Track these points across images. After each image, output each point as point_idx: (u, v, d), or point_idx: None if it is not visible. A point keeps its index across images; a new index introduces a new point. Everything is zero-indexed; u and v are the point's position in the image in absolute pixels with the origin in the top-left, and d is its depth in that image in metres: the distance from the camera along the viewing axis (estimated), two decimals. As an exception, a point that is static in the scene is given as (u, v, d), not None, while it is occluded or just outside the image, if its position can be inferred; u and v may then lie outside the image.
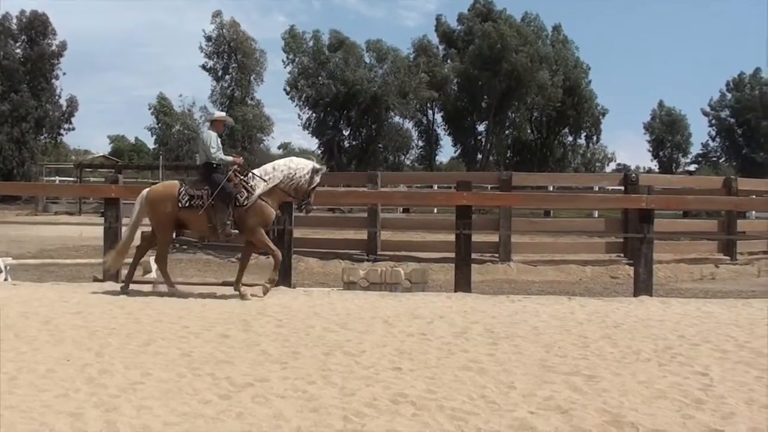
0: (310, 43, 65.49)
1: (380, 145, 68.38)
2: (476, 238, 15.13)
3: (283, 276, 13.47)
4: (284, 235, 13.44)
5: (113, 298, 11.20)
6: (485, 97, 66.86)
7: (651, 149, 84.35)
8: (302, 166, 12.00)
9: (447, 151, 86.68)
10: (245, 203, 11.67)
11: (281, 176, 11.85)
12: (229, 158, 11.89)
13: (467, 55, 65.44)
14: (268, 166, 12.07)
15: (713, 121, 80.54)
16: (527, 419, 5.56)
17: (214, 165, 11.77)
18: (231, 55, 64.96)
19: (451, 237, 13.86)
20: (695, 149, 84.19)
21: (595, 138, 74.34)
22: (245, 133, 62.52)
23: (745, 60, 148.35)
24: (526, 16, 68.38)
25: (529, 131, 71.16)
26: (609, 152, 78.54)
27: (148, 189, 12.38)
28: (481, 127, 71.22)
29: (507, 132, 71.19)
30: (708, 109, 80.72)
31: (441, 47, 71.76)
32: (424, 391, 6.29)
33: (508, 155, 71.79)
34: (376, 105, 63.66)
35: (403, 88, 62.96)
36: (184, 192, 11.77)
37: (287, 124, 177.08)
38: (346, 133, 67.37)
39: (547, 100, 66.17)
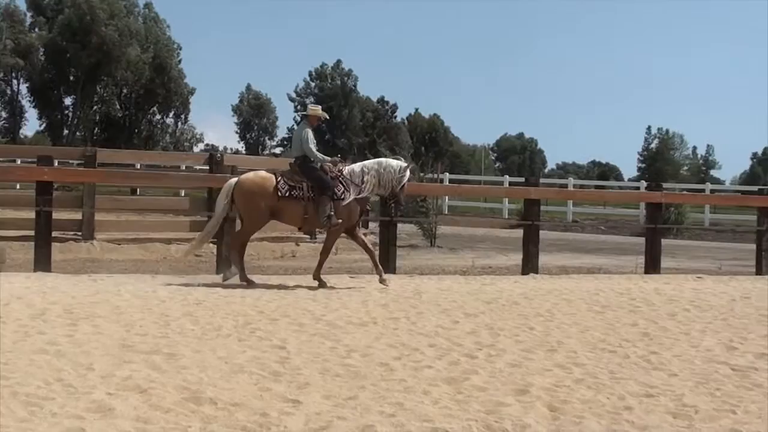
0: None
1: (-41, 116, 63.01)
2: (59, 215, 14.72)
3: None
4: None
5: None
6: (73, 69, 64.26)
7: (239, 131, 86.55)
8: (391, 168, 12.45)
9: (33, 124, 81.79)
10: (342, 197, 12.06)
11: (368, 178, 12.29)
12: (327, 158, 12.32)
13: (56, 25, 62.43)
14: (356, 167, 12.46)
15: (299, 107, 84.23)
16: (105, 401, 5.46)
17: (311, 159, 12.03)
18: None
19: (32, 214, 13.27)
20: (281, 133, 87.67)
21: (183, 117, 74.67)
22: None
23: (327, 51, 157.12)
24: (118, -11, 66.60)
25: (117, 107, 69.52)
26: (198, 133, 79.32)
27: (237, 179, 12.30)
28: (68, 101, 68.46)
29: (95, 107, 69.10)
30: (294, 95, 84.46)
31: (29, 14, 67.66)
32: (-5, 377, 5.93)
33: (95, 131, 69.70)
34: (-47, 71, 58.46)
35: (-14, 54, 58.50)
36: (283, 182, 11.96)
37: None
38: None
39: (136, 77, 65.08)
